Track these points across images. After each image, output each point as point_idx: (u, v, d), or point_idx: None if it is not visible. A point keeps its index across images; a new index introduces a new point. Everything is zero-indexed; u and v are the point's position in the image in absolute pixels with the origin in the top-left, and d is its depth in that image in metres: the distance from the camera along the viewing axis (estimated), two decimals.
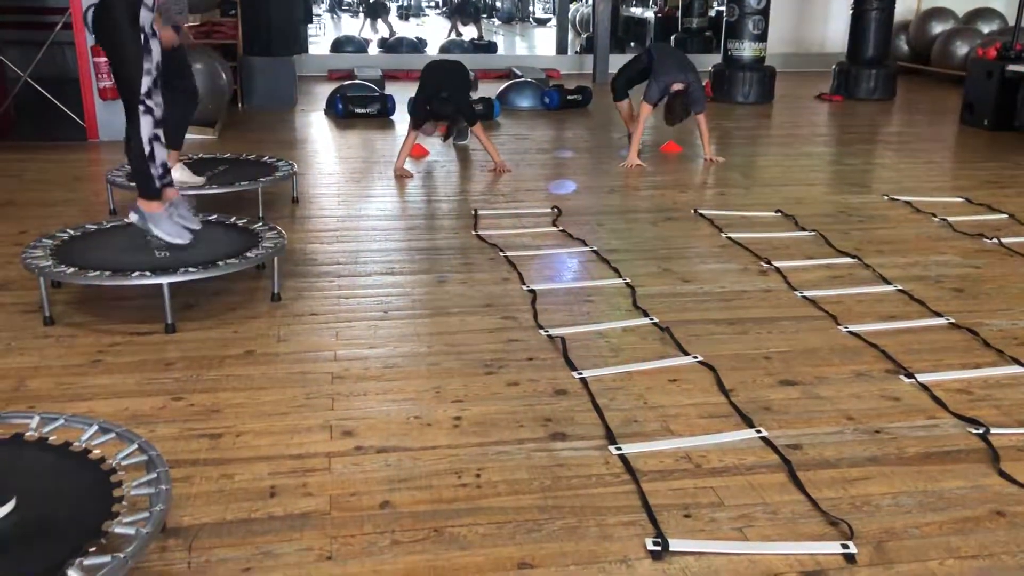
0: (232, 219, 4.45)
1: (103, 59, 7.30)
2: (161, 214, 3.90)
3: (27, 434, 2.42)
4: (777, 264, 4.56)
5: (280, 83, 9.77)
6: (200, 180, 5.29)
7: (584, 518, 2.48)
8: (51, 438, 2.41)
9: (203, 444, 2.83)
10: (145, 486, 2.21)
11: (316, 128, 8.72)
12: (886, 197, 6.07)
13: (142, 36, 3.70)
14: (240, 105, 9.55)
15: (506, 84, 10.16)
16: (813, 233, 5.14)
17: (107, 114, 7.55)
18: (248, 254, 3.94)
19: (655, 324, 3.83)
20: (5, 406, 3.04)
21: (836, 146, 8.21)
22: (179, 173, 5.30)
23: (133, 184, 5.02)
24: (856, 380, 3.33)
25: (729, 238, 5.04)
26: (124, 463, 2.29)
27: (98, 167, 6.56)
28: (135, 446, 2.34)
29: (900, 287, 4.29)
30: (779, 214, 5.55)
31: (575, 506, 2.53)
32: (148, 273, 3.67)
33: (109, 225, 4.36)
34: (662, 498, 2.57)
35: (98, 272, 3.67)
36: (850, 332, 3.76)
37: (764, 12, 10.24)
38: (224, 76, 8.18)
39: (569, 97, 9.84)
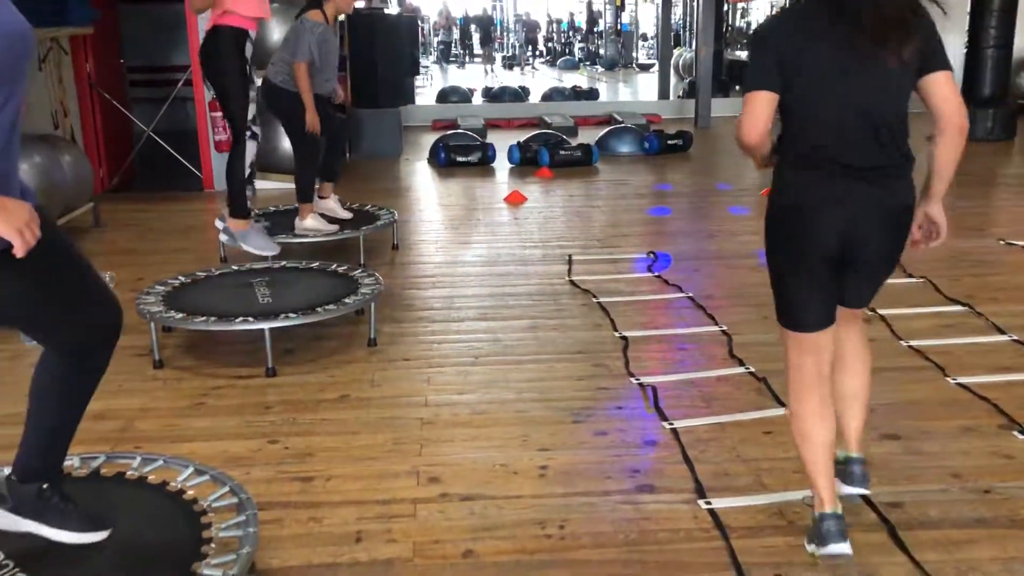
0: (333, 266, 4.58)
1: (219, 113, 7.70)
2: (248, 231, 4.09)
3: (128, 473, 2.52)
4: (882, 312, 4.39)
5: (386, 134, 10.07)
6: (346, 214, 5.64)
7: (670, 574, 2.42)
8: (150, 478, 2.50)
9: (295, 487, 2.89)
10: (234, 528, 2.27)
11: (419, 177, 8.93)
12: (1002, 242, 5.80)
13: (247, 67, 3.94)
14: (347, 156, 9.86)
15: (606, 130, 10.20)
16: (921, 280, 4.94)
17: (222, 165, 7.86)
18: (346, 300, 4.05)
19: (751, 373, 3.74)
20: (114, 446, 3.18)
21: (949, 188, 7.89)
22: (333, 203, 5.60)
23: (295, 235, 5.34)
24: (964, 435, 3.17)
25: None
26: (216, 504, 2.36)
27: (212, 216, 6.84)
28: (227, 488, 2.42)
29: (1015, 337, 4.07)
30: None
31: (661, 561, 2.48)
32: (251, 319, 3.81)
33: (218, 273, 4.54)
34: (752, 556, 2.49)
35: (204, 318, 3.83)
36: (959, 384, 3.58)
37: None
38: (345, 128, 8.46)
39: (670, 142, 9.80)
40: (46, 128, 6.73)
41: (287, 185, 7.55)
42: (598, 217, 6.91)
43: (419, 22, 25.37)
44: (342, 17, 10.04)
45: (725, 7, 17.76)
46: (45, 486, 2.19)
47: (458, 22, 26.99)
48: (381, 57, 10.06)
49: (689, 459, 3.01)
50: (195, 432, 3.31)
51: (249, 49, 4.07)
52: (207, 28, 4.11)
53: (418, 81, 19.24)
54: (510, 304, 4.73)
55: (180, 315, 3.88)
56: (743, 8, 20.78)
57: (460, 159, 9.09)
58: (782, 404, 3.41)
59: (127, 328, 4.28)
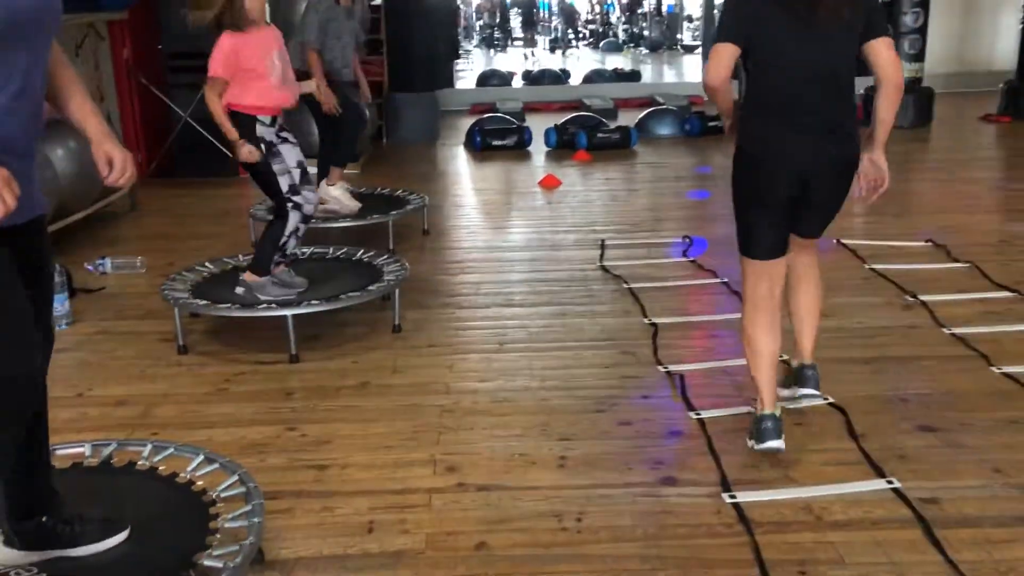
0: (359, 253, 4.53)
1: None
2: (264, 282, 3.98)
3: (139, 462, 2.49)
4: (924, 298, 4.23)
5: (423, 118, 10.00)
6: (356, 205, 5.53)
7: (689, 570, 2.33)
8: (160, 467, 2.47)
9: (309, 475, 2.85)
10: (241, 518, 2.23)
11: (454, 161, 8.86)
12: None
13: (261, 145, 3.82)
14: (384, 140, 9.83)
15: (645, 112, 10.02)
16: (967, 265, 4.75)
17: None
18: (370, 287, 4.00)
19: (784, 361, 3.60)
20: (132, 432, 3.17)
21: (1001, 171, 7.64)
22: (338, 191, 5.51)
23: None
24: (1008, 428, 3.02)
25: (872, 270, 4.72)
26: (224, 494, 2.32)
27: (247, 201, 6.84)
28: (235, 477, 2.38)
29: None
30: (930, 244, 5.17)
31: (680, 556, 2.39)
32: (274, 306, 3.78)
33: (245, 259, 4.50)
34: (777, 552, 2.39)
35: (228, 305, 3.80)
36: (1004, 374, 3.42)
37: (921, 31, 9.69)
38: (367, 113, 8.42)
39: (711, 124, 9.58)
40: None
41: None
42: (634, 201, 6.78)
43: (460, 5, 25.31)
44: (379, 0, 10.04)
45: None
46: (44, 519, 2.15)
47: (505, 4, 26.78)
48: (417, 41, 9.98)
49: (715, 451, 2.91)
50: (215, 418, 3.29)
51: (264, 130, 3.84)
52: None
53: (460, 65, 19.18)
54: (539, 290, 4.64)
55: (204, 301, 3.86)
56: None
57: (496, 143, 9.00)
58: (817, 394, 3.29)
59: (156, 313, 4.34)
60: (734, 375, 3.51)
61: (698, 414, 3.17)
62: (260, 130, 3.87)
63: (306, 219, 4.06)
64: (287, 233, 3.98)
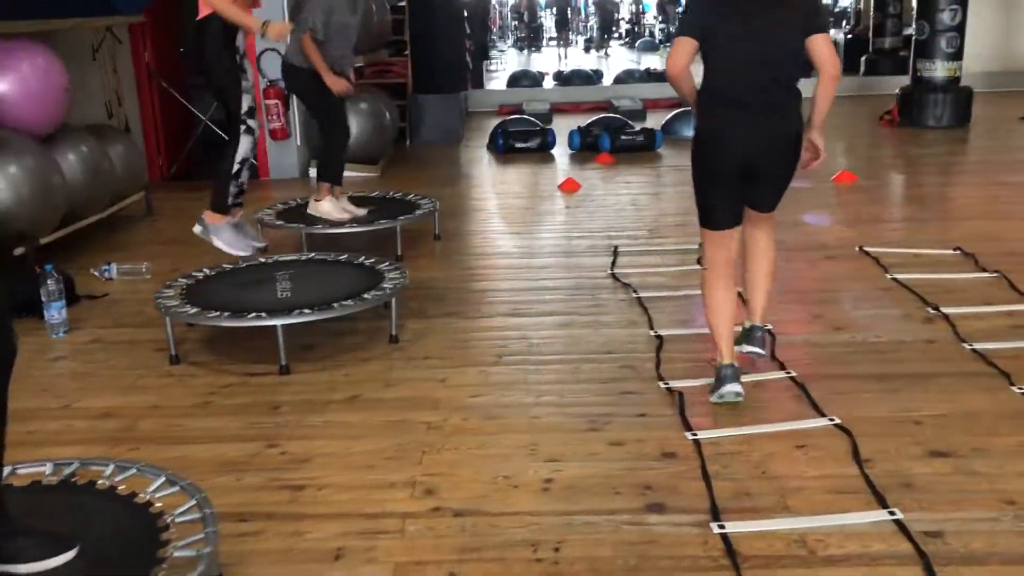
0: (361, 259, 4.43)
1: (273, 101, 7.67)
2: (222, 225, 3.95)
3: (99, 482, 2.41)
4: (946, 310, 4.02)
5: (447, 120, 9.92)
6: (349, 215, 5.39)
7: None
8: (120, 487, 2.39)
9: (284, 496, 2.75)
10: (193, 546, 2.13)
11: (476, 164, 8.75)
12: None
13: (237, 56, 3.79)
14: (408, 142, 9.76)
15: (672, 113, 9.83)
16: (995, 275, 4.53)
17: (277, 154, 7.90)
18: (365, 296, 3.89)
19: (792, 378, 3.44)
20: (114, 446, 3.10)
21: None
22: (328, 205, 5.37)
23: (282, 223, 5.21)
24: None
25: (894, 279, 4.52)
26: (179, 520, 2.22)
27: (264, 204, 6.82)
28: (193, 502, 2.28)
29: None
30: (958, 252, 4.94)
31: None
32: (264, 315, 3.69)
33: (244, 265, 4.43)
34: None
35: (217, 313, 3.73)
36: None
37: (959, 28, 9.38)
38: (388, 115, 8.36)
39: None
40: (99, 118, 6.78)
41: (355, 173, 7.51)
42: (653, 205, 6.62)
43: (494, 5, 25.21)
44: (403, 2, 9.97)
45: None
46: None
47: (540, 5, 26.63)
48: (441, 42, 9.90)
49: (708, 475, 2.76)
50: (197, 433, 3.20)
51: (240, 39, 3.92)
52: (197, 19, 3.92)
53: (492, 66, 19.08)
54: (546, 299, 4.51)
55: (195, 310, 3.78)
56: None
57: (519, 145, 8.88)
58: (822, 414, 3.13)
59: (152, 321, 4.28)
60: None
61: (694, 434, 3.01)
62: (239, 39, 3.88)
63: (254, 146, 4.03)
64: (239, 160, 3.94)
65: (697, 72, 3.15)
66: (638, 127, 9.06)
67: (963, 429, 3.00)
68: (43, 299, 4.15)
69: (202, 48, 3.90)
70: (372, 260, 4.40)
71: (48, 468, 2.47)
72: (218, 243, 3.95)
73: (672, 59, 3.10)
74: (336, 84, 5.22)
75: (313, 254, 4.62)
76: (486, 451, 2.98)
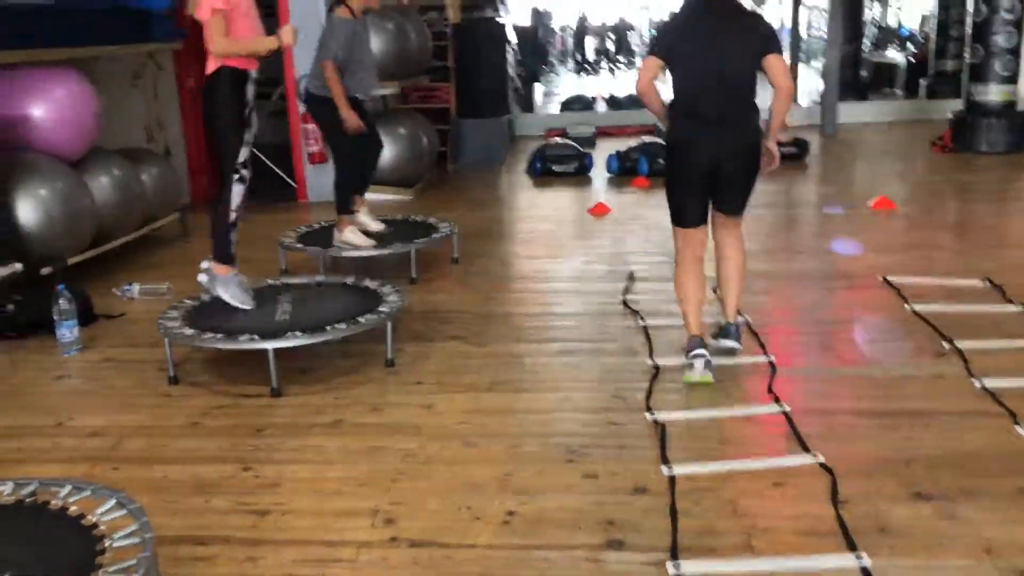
0: (365, 282, 4.44)
1: (311, 125, 7.78)
2: (229, 277, 3.98)
3: (52, 503, 2.44)
4: (961, 344, 3.85)
5: (488, 144, 9.97)
6: (379, 226, 5.49)
7: None
8: (71, 508, 2.41)
9: (246, 521, 2.75)
10: (125, 572, 2.13)
11: (512, 187, 8.75)
12: None
13: (245, 110, 3.81)
14: (450, 165, 9.82)
15: None
16: (1021, 308, 4.33)
17: (315, 177, 8.01)
18: (359, 319, 3.90)
19: (784, 413, 3.32)
20: (94, 465, 3.15)
21: None
22: (363, 216, 5.47)
23: (302, 246, 5.25)
24: (1015, 499, 2.68)
25: (913, 311, 4.35)
26: (117, 544, 2.23)
27: (282, 228, 6.91)
28: (135, 526, 2.29)
29: None
30: (987, 283, 4.74)
31: None
32: (256, 337, 3.71)
33: (251, 288, 4.47)
34: None
35: (211, 335, 3.77)
36: None
37: (1015, 51, 9.07)
38: (425, 139, 8.41)
39: (782, 150, 9.18)
40: (140, 141, 6.97)
41: (379, 196, 7.57)
42: None
43: (552, 30, 25.29)
44: (446, 26, 10.07)
45: (865, 5, 16.75)
46: None
47: (607, 32, 26.65)
48: (484, 68, 9.96)
49: (676, 511, 2.67)
50: (177, 453, 3.23)
51: (251, 90, 3.92)
52: (206, 74, 3.94)
53: (548, 89, 19.13)
54: (551, 325, 4.45)
55: (191, 331, 3.83)
56: (893, 5, 19.53)
57: (557, 169, 8.85)
58: (807, 449, 3.01)
59: (158, 341, 4.34)
60: (724, 426, 3.26)
61: (670, 469, 2.92)
62: (250, 90, 3.90)
63: (249, 194, 4.06)
64: (234, 208, 3.97)
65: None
66: None
67: (955, 470, 2.85)
68: (55, 318, 4.26)
69: (210, 96, 3.93)
70: (376, 283, 4.41)
71: (8, 488, 2.51)
72: (224, 295, 3.98)
73: (640, 76, 3.59)
74: (350, 119, 5.20)
75: (321, 277, 4.66)
76: (457, 480, 2.94)
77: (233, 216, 3.95)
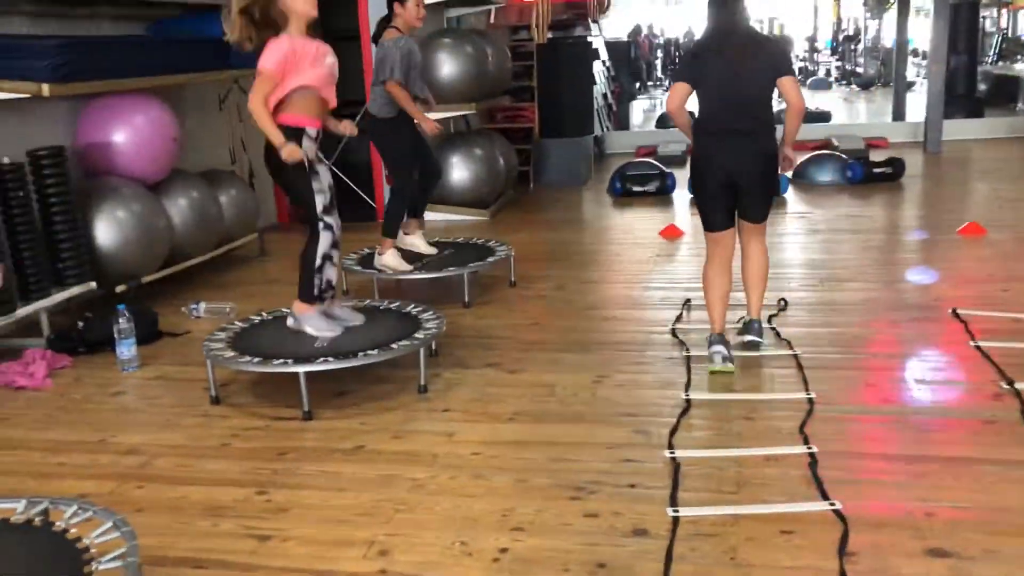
0: (409, 307, 4.49)
1: None
2: (311, 314, 4.05)
3: (56, 524, 2.54)
4: (1021, 386, 3.60)
5: (571, 163, 9.97)
6: (430, 249, 5.62)
7: None
8: (72, 530, 2.51)
9: (247, 545, 2.80)
10: None
11: (590, 208, 8.70)
12: None
13: (306, 163, 3.88)
14: (532, 185, 9.85)
15: (806, 156, 9.39)
16: None
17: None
18: (393, 346, 3.94)
19: (811, 454, 3.18)
20: (122, 482, 3.28)
21: None
22: (417, 239, 5.59)
23: (359, 268, 5.36)
24: None
25: (977, 347, 4.10)
26: (103, 567, 2.31)
27: (374, 246, 7.06)
28: (123, 549, 2.36)
29: None
30: None
31: None
32: (289, 362, 3.80)
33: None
34: None
35: (248, 358, 3.87)
36: None
37: None
38: (502, 160, 8.46)
39: (876, 170, 8.86)
40: (223, 164, 7.25)
41: (454, 216, 7.67)
42: None
43: (656, 46, 25.05)
44: (533, 46, 10.13)
45: (983, 16, 15.95)
46: None
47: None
48: (567, 88, 9.96)
49: (671, 557, 2.58)
50: (202, 475, 3.33)
51: (308, 145, 3.94)
52: None
53: (647, 106, 19.00)
54: (592, 352, 4.40)
55: (231, 353, 3.95)
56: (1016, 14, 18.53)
57: (636, 189, 8.77)
58: (825, 496, 2.87)
59: (200, 361, 4.48)
60: (745, 467, 3.14)
61: (676, 511, 2.83)
62: (306, 144, 3.94)
63: (335, 243, 4.10)
64: (320, 255, 4.03)
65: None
66: None
67: (981, 526, 2.67)
68: (115, 336, 4.46)
69: (272, 160, 4.01)
70: (419, 308, 4.45)
71: (21, 506, 2.63)
72: (308, 330, 4.08)
73: (670, 99, 4.02)
74: (428, 124, 5.35)
75: (367, 301, 4.73)
76: (458, 513, 2.93)
77: (319, 261, 4.04)
